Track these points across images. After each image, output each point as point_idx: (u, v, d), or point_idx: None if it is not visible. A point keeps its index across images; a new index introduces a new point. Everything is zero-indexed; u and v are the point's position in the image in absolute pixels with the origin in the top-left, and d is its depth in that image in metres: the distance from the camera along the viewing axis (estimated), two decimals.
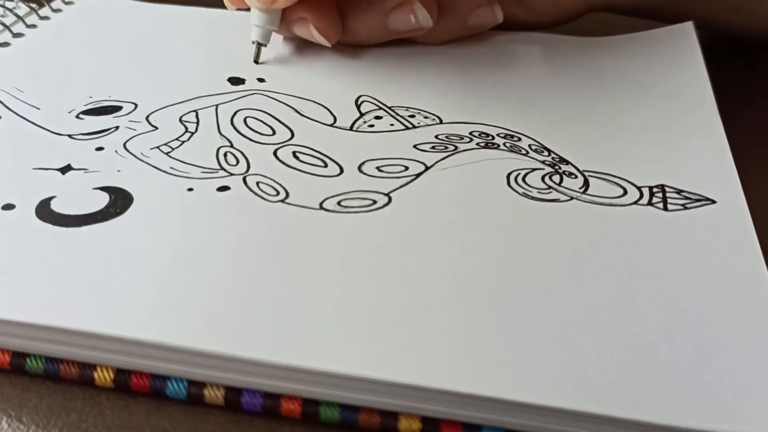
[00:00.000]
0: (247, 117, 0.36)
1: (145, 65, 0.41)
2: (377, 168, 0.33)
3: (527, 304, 0.26)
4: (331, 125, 0.36)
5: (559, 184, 0.32)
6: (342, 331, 0.25)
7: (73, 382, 0.25)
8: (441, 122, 0.36)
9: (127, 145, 0.34)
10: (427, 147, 0.34)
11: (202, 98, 0.37)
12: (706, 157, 0.33)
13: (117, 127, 0.35)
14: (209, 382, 0.25)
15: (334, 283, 0.27)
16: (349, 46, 0.42)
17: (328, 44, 0.41)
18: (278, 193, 0.31)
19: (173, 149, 0.33)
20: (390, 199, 0.31)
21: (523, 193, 0.31)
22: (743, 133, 0.34)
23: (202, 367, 0.24)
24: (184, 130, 0.35)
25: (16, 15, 0.44)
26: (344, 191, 0.31)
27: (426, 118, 0.36)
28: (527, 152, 0.34)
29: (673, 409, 0.22)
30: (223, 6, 0.42)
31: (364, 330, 0.25)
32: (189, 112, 0.36)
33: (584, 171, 0.32)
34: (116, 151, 0.33)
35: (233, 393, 0.24)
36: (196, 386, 0.25)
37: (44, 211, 0.30)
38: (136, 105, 0.37)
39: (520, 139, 0.35)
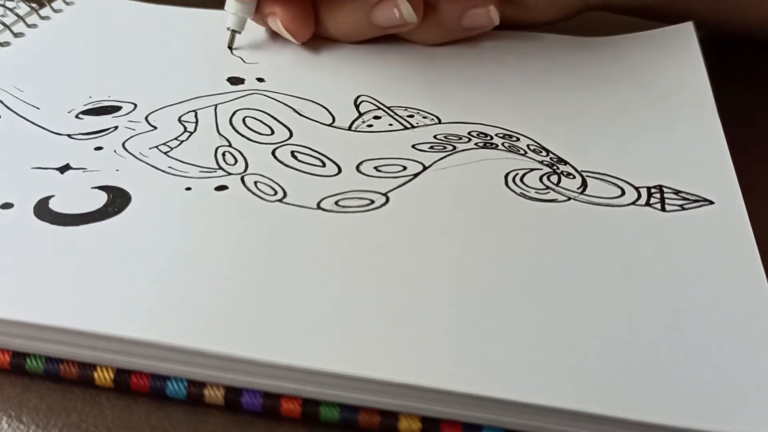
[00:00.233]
0: (246, 117, 0.36)
1: (144, 65, 0.41)
2: (375, 168, 0.33)
3: (526, 304, 0.26)
4: (329, 125, 0.36)
5: (557, 185, 0.32)
6: (341, 330, 0.25)
7: (73, 382, 0.26)
8: (439, 122, 0.36)
9: (126, 144, 0.34)
10: (425, 147, 0.34)
11: (201, 98, 0.37)
12: (705, 157, 0.33)
13: (116, 127, 0.35)
14: (209, 382, 0.25)
15: (332, 283, 0.27)
16: (349, 46, 0.42)
17: (296, 42, 0.41)
18: (276, 192, 0.31)
19: (172, 149, 0.33)
20: (388, 199, 0.31)
21: (521, 193, 0.31)
22: (742, 133, 0.34)
23: (202, 367, 0.24)
24: (183, 129, 0.35)
25: (17, 15, 0.44)
26: (342, 191, 0.31)
27: (424, 118, 0.36)
28: (525, 152, 0.34)
29: (673, 409, 0.22)
30: (222, 7, 0.42)
31: (364, 330, 0.25)
32: (188, 112, 0.36)
33: (582, 171, 0.32)
34: (115, 151, 0.33)
35: (233, 393, 0.25)
36: (196, 386, 0.25)
37: (43, 210, 0.30)
38: (135, 105, 0.37)
39: (518, 139, 0.35)
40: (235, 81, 0.39)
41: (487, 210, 0.30)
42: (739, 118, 0.36)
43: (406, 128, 0.35)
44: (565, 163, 0.33)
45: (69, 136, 0.34)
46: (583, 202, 0.31)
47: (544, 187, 0.32)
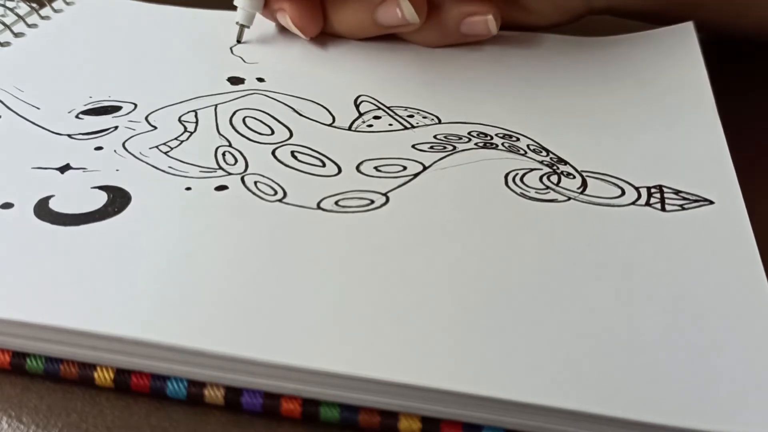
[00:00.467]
0: (246, 117, 0.36)
1: (144, 65, 0.41)
2: (375, 168, 0.33)
3: (526, 303, 0.26)
4: (329, 125, 0.36)
5: (557, 185, 0.32)
6: (341, 330, 0.25)
7: (73, 382, 0.26)
8: (439, 122, 0.36)
9: (126, 144, 0.34)
10: (425, 147, 0.34)
11: (201, 98, 0.37)
12: (705, 157, 0.33)
13: (116, 127, 0.35)
14: (209, 382, 0.25)
15: (332, 283, 0.27)
16: (350, 46, 0.42)
17: (304, 37, 0.42)
18: (276, 192, 0.31)
19: (172, 149, 0.33)
20: (388, 199, 0.31)
21: (521, 193, 0.31)
22: (742, 133, 0.34)
23: (202, 367, 0.24)
24: (183, 129, 0.35)
25: (17, 14, 0.44)
26: (342, 191, 0.31)
27: (424, 118, 0.36)
28: (525, 152, 0.34)
29: (673, 409, 0.22)
30: (223, 7, 0.42)
31: (364, 330, 0.25)
32: (188, 112, 0.36)
33: (582, 171, 0.32)
34: (115, 151, 0.33)
35: (233, 393, 0.25)
36: (196, 386, 0.25)
37: (43, 210, 0.30)
38: (135, 105, 0.37)
39: (518, 139, 0.35)
40: (235, 81, 0.39)
41: (487, 210, 0.30)
42: (739, 117, 0.36)
43: (406, 128, 0.35)
44: (565, 163, 0.33)
45: (69, 136, 0.34)
46: (583, 202, 0.31)
47: (544, 187, 0.32)
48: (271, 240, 0.29)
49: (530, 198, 0.31)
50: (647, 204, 0.31)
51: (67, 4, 0.47)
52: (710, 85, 0.37)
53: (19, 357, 0.26)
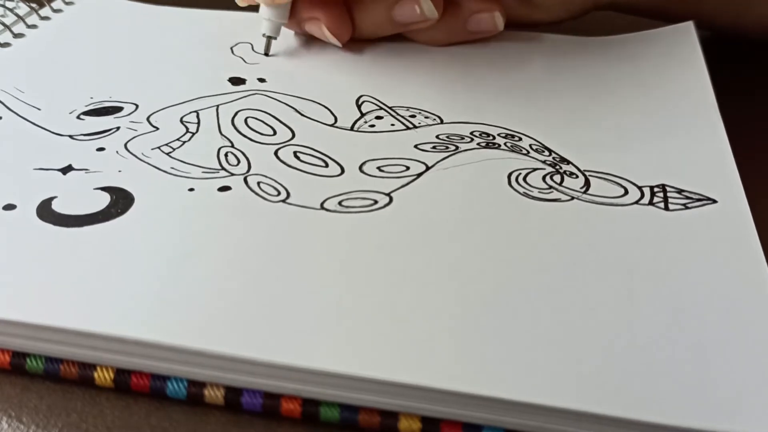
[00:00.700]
0: (248, 117, 0.36)
1: (145, 66, 0.41)
2: (378, 168, 0.32)
3: (527, 303, 0.26)
4: (332, 125, 0.36)
5: (560, 184, 0.32)
6: (342, 331, 0.25)
7: (73, 382, 0.25)
8: (442, 122, 0.36)
9: (128, 145, 0.34)
10: (428, 147, 0.34)
11: (202, 99, 0.37)
12: (707, 156, 0.33)
13: (118, 128, 0.35)
14: (209, 382, 0.25)
15: (334, 283, 0.27)
16: (352, 43, 0.42)
17: (339, 44, 0.41)
18: (279, 193, 0.31)
19: (174, 149, 0.33)
20: (391, 199, 0.31)
21: (524, 192, 0.31)
22: (744, 132, 0.34)
23: (202, 367, 0.24)
24: (185, 130, 0.35)
25: (17, 15, 0.44)
26: (345, 191, 0.31)
27: (427, 118, 0.36)
28: (528, 152, 0.34)
29: (673, 409, 0.22)
30: (223, 7, 0.42)
31: (365, 330, 0.25)
32: (190, 112, 0.36)
33: (585, 171, 0.32)
34: (117, 152, 0.33)
35: (233, 393, 0.24)
36: (196, 386, 0.25)
37: (45, 212, 0.30)
38: (137, 105, 0.37)
39: (520, 139, 0.34)
40: (236, 81, 0.39)
41: (490, 210, 0.30)
42: (741, 116, 0.36)
43: (408, 128, 0.35)
44: (568, 162, 0.33)
45: (71, 137, 0.34)
46: (586, 201, 0.31)
47: (547, 186, 0.31)
48: (274, 240, 0.28)
49: (533, 198, 0.31)
50: (650, 203, 0.30)
51: (67, 4, 0.47)
52: (711, 84, 0.37)
53: (19, 357, 0.26)
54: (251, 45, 0.42)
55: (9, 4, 0.45)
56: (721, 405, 0.22)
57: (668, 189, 0.31)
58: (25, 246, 0.28)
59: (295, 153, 0.33)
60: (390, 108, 0.37)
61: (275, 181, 0.32)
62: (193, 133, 0.35)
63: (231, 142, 0.34)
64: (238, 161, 0.33)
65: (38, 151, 0.33)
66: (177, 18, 0.46)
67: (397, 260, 0.28)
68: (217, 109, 0.36)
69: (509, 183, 0.32)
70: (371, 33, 0.42)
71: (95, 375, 0.25)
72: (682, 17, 0.43)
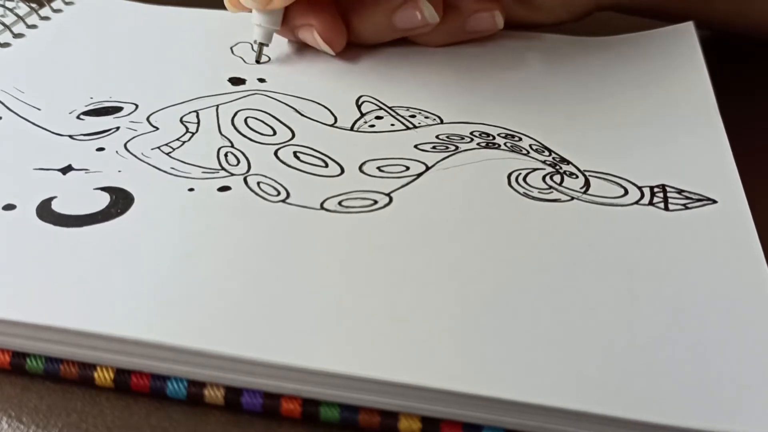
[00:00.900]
0: (247, 117, 0.36)
1: (145, 66, 0.41)
2: (378, 168, 0.32)
3: (527, 304, 0.26)
4: (331, 125, 0.36)
5: (560, 184, 0.32)
6: (342, 331, 0.25)
7: (73, 382, 0.25)
8: (442, 122, 0.36)
9: (128, 145, 0.34)
10: (427, 147, 0.34)
11: (202, 98, 0.37)
12: (707, 156, 0.33)
13: (118, 128, 0.35)
14: (209, 382, 0.25)
15: (334, 283, 0.27)
16: (351, 46, 0.42)
17: (332, 53, 0.41)
18: (279, 193, 0.31)
19: (174, 149, 0.33)
20: (391, 199, 0.31)
21: (524, 193, 0.31)
22: (744, 132, 0.34)
23: (202, 367, 0.24)
24: (184, 130, 0.35)
25: (17, 15, 0.44)
26: (345, 191, 0.31)
27: (427, 118, 0.36)
28: (528, 152, 0.34)
29: (673, 409, 0.22)
30: (223, 7, 0.42)
31: (365, 330, 0.25)
32: (190, 112, 0.36)
33: (585, 171, 0.32)
34: (117, 152, 0.33)
35: (233, 393, 0.24)
36: (196, 386, 0.25)
37: (45, 212, 0.30)
38: (136, 105, 0.37)
39: (520, 139, 0.34)
40: (236, 81, 0.39)
41: (489, 210, 0.30)
42: (741, 116, 0.36)
43: (408, 128, 0.35)
44: (568, 162, 0.33)
45: (70, 137, 0.34)
46: (586, 201, 0.31)
47: (547, 186, 0.31)
48: (274, 240, 0.28)
49: (533, 198, 0.31)
50: (650, 203, 0.30)
51: (67, 4, 0.47)
52: (711, 85, 0.37)
53: (19, 357, 0.26)
54: (251, 45, 0.42)
55: (9, 4, 0.45)
56: (721, 405, 0.22)
57: (668, 189, 0.31)
58: (25, 246, 0.28)
59: (295, 153, 0.33)
60: (390, 108, 0.37)
61: (275, 181, 0.32)
62: (193, 133, 0.35)
63: (231, 142, 0.34)
64: (238, 161, 0.33)
65: (38, 151, 0.33)
66: (177, 18, 0.46)
67: (397, 260, 0.28)
68: (216, 109, 0.36)
69: (509, 183, 0.32)
70: (372, 39, 0.42)
71: (95, 375, 0.25)
72: (683, 17, 0.42)
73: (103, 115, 0.36)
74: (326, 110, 0.37)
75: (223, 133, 0.35)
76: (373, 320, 0.25)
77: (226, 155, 0.33)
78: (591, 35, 0.44)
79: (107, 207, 0.30)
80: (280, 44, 0.42)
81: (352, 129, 0.35)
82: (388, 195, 0.31)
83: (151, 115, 0.36)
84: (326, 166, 0.33)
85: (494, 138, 0.35)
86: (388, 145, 0.34)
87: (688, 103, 0.37)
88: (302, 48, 0.42)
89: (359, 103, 0.37)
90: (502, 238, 0.29)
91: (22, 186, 0.31)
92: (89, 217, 0.29)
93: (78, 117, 0.36)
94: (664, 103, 0.37)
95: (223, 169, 0.32)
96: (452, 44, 0.42)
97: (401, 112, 0.37)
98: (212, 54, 0.42)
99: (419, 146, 0.34)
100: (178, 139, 0.34)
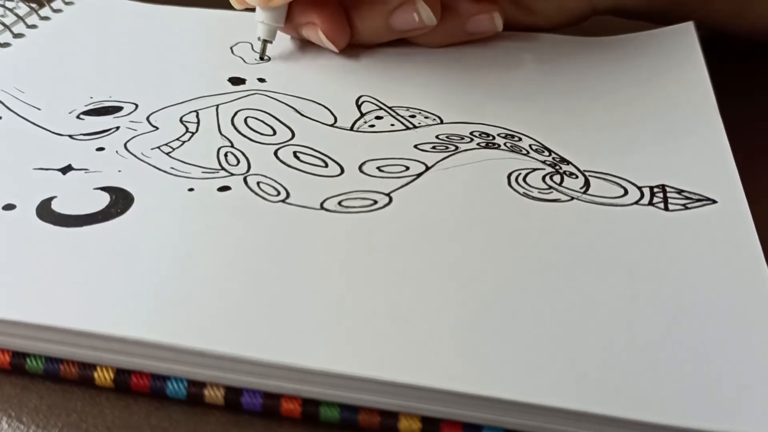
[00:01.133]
0: (247, 117, 0.36)
1: (145, 66, 0.41)
2: (378, 168, 0.32)
3: (527, 304, 0.26)
4: (331, 125, 0.36)
5: (560, 184, 0.32)
6: (342, 331, 0.25)
7: (73, 382, 0.25)
8: (441, 122, 0.36)
9: (128, 145, 0.34)
10: (427, 147, 0.34)
11: (202, 98, 0.37)
12: (707, 157, 0.33)
13: (118, 128, 0.35)
14: (209, 382, 0.25)
15: (334, 283, 0.27)
16: (351, 47, 0.42)
17: (335, 50, 0.41)
18: (279, 193, 0.31)
19: (174, 149, 0.33)
20: (391, 199, 0.31)
21: (524, 193, 0.31)
22: (744, 132, 0.34)
23: (202, 367, 0.24)
24: (184, 130, 0.35)
25: (17, 15, 0.44)
26: (345, 191, 0.31)
27: (426, 118, 0.36)
28: (528, 152, 0.34)
29: (673, 409, 0.22)
30: (223, 7, 0.42)
31: (365, 330, 0.25)
32: (189, 112, 0.36)
33: (585, 171, 0.32)
34: (117, 152, 0.33)
35: (233, 393, 0.24)
36: (196, 386, 0.25)
37: (45, 211, 0.30)
38: (136, 105, 0.37)
39: (520, 139, 0.34)
40: (236, 81, 0.39)
41: (489, 210, 0.30)
42: (741, 116, 0.36)
43: (408, 128, 0.35)
44: (568, 162, 0.33)
45: (70, 136, 0.34)
46: (586, 201, 0.31)
47: (546, 186, 0.31)
48: (274, 240, 0.28)
49: (533, 198, 0.31)
50: (650, 203, 0.30)
51: (66, 4, 0.47)
52: (711, 85, 0.37)
53: (19, 357, 0.26)
54: (251, 45, 0.42)
55: (9, 4, 0.45)
56: (722, 405, 0.22)
57: (668, 189, 0.31)
58: (25, 246, 0.28)
59: (294, 153, 0.33)
60: (390, 108, 0.37)
61: (275, 181, 0.32)
62: (193, 133, 0.35)
63: (231, 142, 0.34)
64: (238, 161, 0.33)
65: (38, 151, 0.33)
66: (177, 18, 0.46)
67: (397, 260, 0.28)
68: (216, 109, 0.36)
69: (509, 183, 0.32)
70: (369, 39, 0.42)
71: (95, 375, 0.25)
72: (682, 21, 0.42)
73: (102, 114, 0.36)
74: (326, 110, 0.37)
75: (222, 133, 0.35)
76: (373, 320, 0.25)
77: (225, 155, 0.33)
78: (590, 35, 0.44)
79: (107, 207, 0.30)
80: (280, 44, 0.42)
81: (352, 129, 0.35)
82: (388, 195, 0.31)
83: (150, 114, 0.36)
84: (326, 166, 0.33)
85: (494, 138, 0.35)
86: (388, 145, 0.34)
87: (688, 103, 0.37)
88: (302, 47, 0.42)
89: (359, 103, 0.37)
90: (502, 238, 0.29)
91: (22, 186, 0.31)
92: (89, 217, 0.29)
93: (78, 117, 0.36)
94: (664, 103, 0.37)
95: (223, 169, 0.32)
96: (452, 45, 0.42)
97: (401, 112, 0.37)
98: (212, 54, 0.42)
99: (419, 146, 0.34)
100: (178, 139, 0.34)
